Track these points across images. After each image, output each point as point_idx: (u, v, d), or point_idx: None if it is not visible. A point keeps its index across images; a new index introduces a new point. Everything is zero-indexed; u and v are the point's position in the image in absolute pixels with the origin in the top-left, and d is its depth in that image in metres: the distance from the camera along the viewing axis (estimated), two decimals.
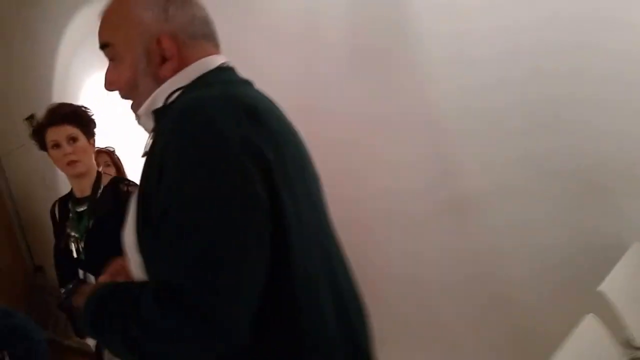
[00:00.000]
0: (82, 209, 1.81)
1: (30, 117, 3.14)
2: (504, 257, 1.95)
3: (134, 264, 0.83)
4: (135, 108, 0.90)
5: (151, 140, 0.84)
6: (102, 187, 1.78)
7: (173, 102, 0.84)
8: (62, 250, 1.81)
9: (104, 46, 0.88)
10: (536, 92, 1.76)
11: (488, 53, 1.81)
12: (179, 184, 0.72)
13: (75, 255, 1.79)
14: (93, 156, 1.81)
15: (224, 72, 0.90)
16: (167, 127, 0.78)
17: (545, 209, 1.83)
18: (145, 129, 0.90)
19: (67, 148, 1.72)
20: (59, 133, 1.71)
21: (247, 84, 0.92)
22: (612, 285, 1.39)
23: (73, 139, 1.72)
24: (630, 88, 1.61)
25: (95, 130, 1.78)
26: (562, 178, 1.77)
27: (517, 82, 1.78)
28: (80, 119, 1.73)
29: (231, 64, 0.92)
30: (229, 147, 0.73)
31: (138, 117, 0.90)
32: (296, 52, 2.25)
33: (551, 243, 1.83)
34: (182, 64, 0.86)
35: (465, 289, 2.07)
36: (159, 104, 0.86)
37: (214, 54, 0.90)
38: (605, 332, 1.21)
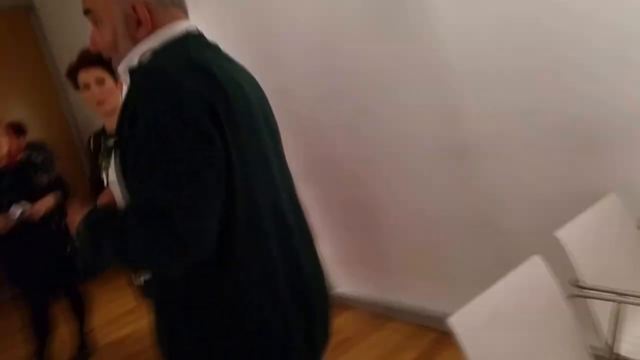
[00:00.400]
0: (113, 142, 2.06)
1: None
2: (498, 197, 2.06)
3: (118, 194, 1.05)
4: (115, 65, 1.08)
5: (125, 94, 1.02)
6: None
7: (144, 62, 1.01)
8: (96, 178, 2.08)
9: (87, 12, 1.04)
10: (539, 50, 1.77)
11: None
12: (148, 128, 0.89)
13: (106, 183, 2.06)
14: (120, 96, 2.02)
15: (190, 37, 1.04)
16: (135, 83, 0.96)
17: (538, 157, 1.89)
18: (125, 83, 1.08)
19: (95, 89, 1.94)
20: (88, 75, 1.92)
21: (210, 47, 1.07)
22: (572, 230, 1.48)
23: (101, 81, 1.93)
24: (624, 51, 1.60)
25: None
26: (556, 130, 1.82)
27: (520, 38, 1.80)
28: (106, 62, 1.93)
29: (198, 29, 1.07)
30: (186, 97, 0.89)
31: (118, 74, 1.08)
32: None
33: (542, 186, 1.91)
34: (154, 28, 1.02)
35: (464, 225, 2.22)
36: (134, 62, 1.03)
37: (182, 19, 1.05)
38: (547, 271, 1.32)
